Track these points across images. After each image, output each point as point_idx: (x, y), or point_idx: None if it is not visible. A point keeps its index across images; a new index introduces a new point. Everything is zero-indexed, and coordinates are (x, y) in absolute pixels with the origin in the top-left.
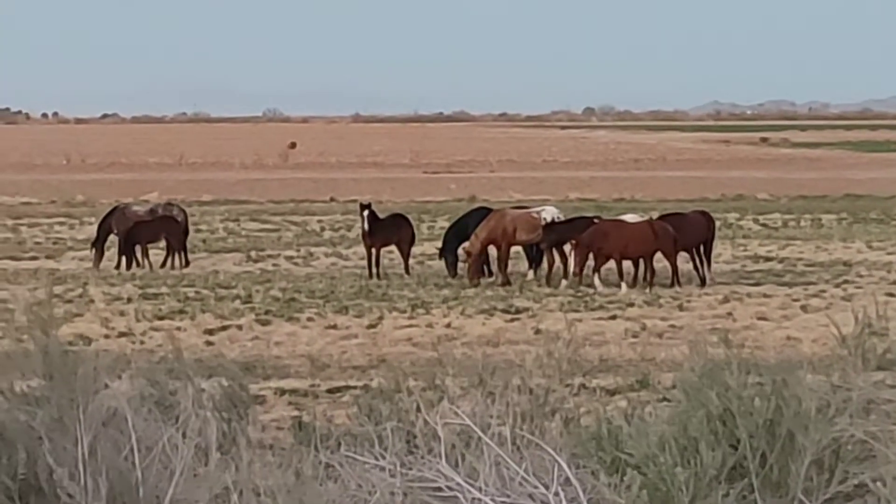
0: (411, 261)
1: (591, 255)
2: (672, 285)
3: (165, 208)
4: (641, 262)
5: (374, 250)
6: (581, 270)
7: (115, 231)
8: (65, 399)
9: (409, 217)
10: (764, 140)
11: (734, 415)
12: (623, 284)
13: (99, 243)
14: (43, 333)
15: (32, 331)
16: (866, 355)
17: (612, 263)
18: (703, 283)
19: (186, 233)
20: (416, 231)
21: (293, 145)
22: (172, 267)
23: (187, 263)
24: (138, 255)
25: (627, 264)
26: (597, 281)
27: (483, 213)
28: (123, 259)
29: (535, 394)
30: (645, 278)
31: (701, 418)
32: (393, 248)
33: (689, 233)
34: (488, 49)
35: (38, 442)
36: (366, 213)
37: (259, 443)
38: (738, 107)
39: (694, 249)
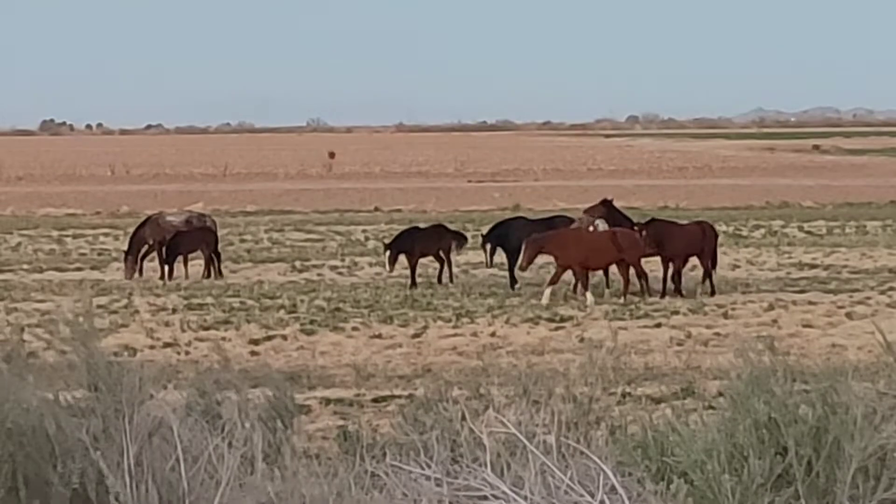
0: (455, 269)
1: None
2: (643, 293)
3: (199, 219)
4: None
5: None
6: (529, 262)
7: (150, 241)
8: (110, 410)
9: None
10: (816, 147)
11: (780, 423)
12: (588, 294)
13: (132, 253)
14: (83, 345)
15: (76, 342)
16: None
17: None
18: (711, 292)
19: (217, 241)
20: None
21: (332, 155)
22: (207, 276)
23: (221, 274)
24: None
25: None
26: (586, 294)
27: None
28: (166, 269)
29: (579, 402)
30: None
31: (748, 426)
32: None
33: (679, 243)
34: (531, 58)
35: (86, 452)
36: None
37: (304, 452)
38: (782, 114)
39: (699, 259)
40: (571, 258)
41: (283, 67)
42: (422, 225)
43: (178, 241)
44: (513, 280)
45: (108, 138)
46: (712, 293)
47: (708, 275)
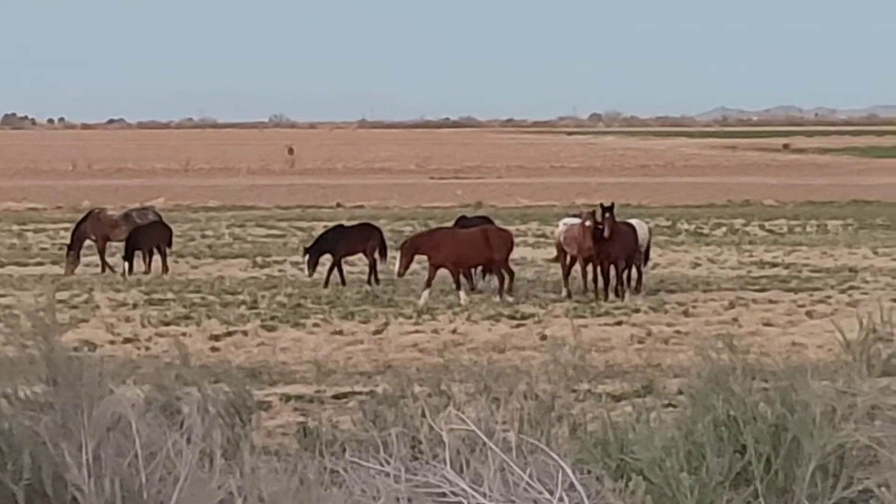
0: (416, 266)
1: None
2: (503, 293)
3: (140, 213)
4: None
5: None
6: (406, 267)
7: (91, 237)
8: (69, 404)
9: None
10: (786, 146)
11: (739, 421)
12: (462, 294)
13: (73, 248)
14: (44, 339)
15: (36, 336)
16: (871, 361)
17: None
18: (637, 290)
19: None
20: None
21: (291, 150)
22: (165, 271)
23: (166, 268)
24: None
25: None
26: (461, 293)
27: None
28: (127, 265)
29: (541, 400)
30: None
31: (707, 424)
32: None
33: (616, 243)
34: (495, 55)
35: (43, 447)
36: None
37: (264, 448)
38: (745, 113)
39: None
40: (444, 258)
41: (246, 63)
42: (346, 223)
43: (138, 236)
44: (374, 278)
45: (70, 133)
46: (637, 290)
47: (638, 273)
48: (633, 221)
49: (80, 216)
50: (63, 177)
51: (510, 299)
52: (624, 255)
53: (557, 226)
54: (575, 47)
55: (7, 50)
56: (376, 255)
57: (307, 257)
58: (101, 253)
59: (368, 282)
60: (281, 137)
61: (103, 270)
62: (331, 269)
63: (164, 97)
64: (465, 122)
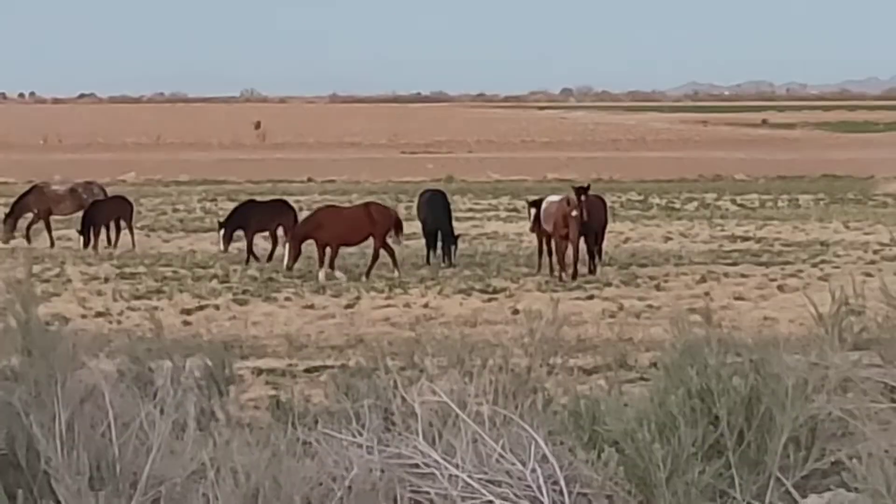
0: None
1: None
2: (371, 273)
3: (85, 187)
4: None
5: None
6: (294, 259)
7: (34, 210)
8: (43, 376)
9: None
10: (765, 122)
11: (713, 392)
12: (331, 272)
13: (11, 219)
14: (23, 310)
15: (14, 307)
16: (843, 334)
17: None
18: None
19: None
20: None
21: (258, 125)
22: (114, 245)
23: (86, 244)
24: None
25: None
26: (336, 273)
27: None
28: (83, 238)
29: (516, 373)
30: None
31: (680, 396)
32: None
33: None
34: (466, 30)
35: (17, 418)
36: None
37: (237, 421)
38: (716, 87)
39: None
40: (329, 236)
41: (217, 38)
42: (259, 198)
43: (95, 211)
44: (251, 257)
45: (41, 107)
46: (592, 271)
47: (592, 252)
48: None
49: None
50: (33, 151)
51: (396, 274)
52: (595, 229)
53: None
54: (546, 22)
55: None
56: (282, 233)
57: (222, 232)
58: (48, 227)
59: (269, 258)
60: (252, 112)
61: (86, 245)
62: (249, 246)
63: (135, 72)
64: (436, 97)
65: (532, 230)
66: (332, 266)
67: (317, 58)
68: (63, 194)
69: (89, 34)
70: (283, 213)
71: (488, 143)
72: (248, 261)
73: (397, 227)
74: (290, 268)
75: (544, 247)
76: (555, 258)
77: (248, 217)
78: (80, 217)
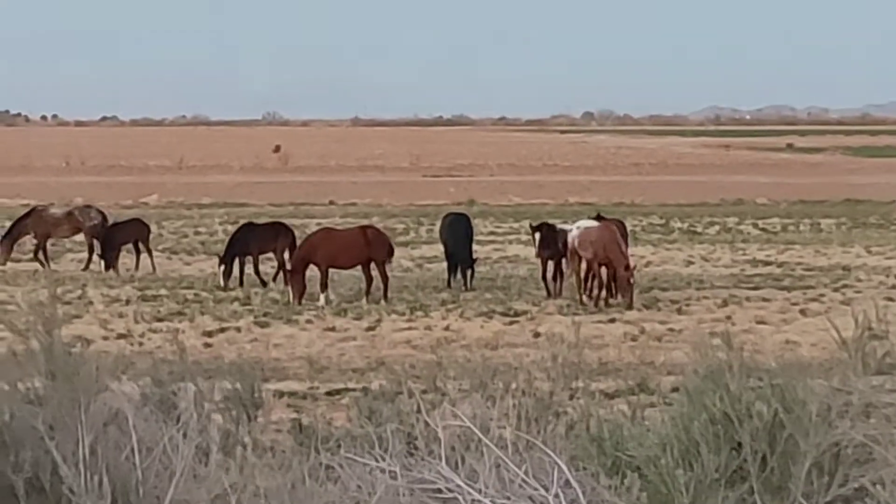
0: (410, 263)
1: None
2: (369, 296)
3: (83, 212)
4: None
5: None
6: (301, 294)
7: (31, 232)
8: (67, 399)
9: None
10: (790, 146)
11: (735, 418)
12: (322, 295)
13: (8, 240)
14: (47, 333)
15: (36, 330)
16: (866, 359)
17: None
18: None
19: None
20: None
21: (277, 148)
22: (135, 268)
23: (107, 267)
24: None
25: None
26: (327, 296)
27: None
28: (104, 261)
29: (538, 397)
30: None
31: (703, 421)
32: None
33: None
34: (488, 53)
35: (41, 441)
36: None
37: (258, 445)
38: (737, 112)
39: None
40: (321, 258)
41: (239, 60)
42: (257, 221)
43: (114, 233)
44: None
45: (64, 129)
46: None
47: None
48: (571, 226)
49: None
50: (56, 173)
51: (383, 303)
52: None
53: (570, 230)
54: (568, 46)
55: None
56: (285, 256)
57: (222, 268)
58: (44, 250)
59: (274, 279)
60: (274, 135)
61: (43, 266)
62: (255, 268)
63: (157, 94)
64: (458, 120)
65: (538, 255)
66: (323, 287)
67: (338, 81)
68: (61, 218)
69: (111, 57)
70: (283, 235)
71: (510, 166)
72: (264, 283)
73: (389, 252)
74: (298, 303)
75: (563, 270)
76: (568, 280)
77: (247, 241)
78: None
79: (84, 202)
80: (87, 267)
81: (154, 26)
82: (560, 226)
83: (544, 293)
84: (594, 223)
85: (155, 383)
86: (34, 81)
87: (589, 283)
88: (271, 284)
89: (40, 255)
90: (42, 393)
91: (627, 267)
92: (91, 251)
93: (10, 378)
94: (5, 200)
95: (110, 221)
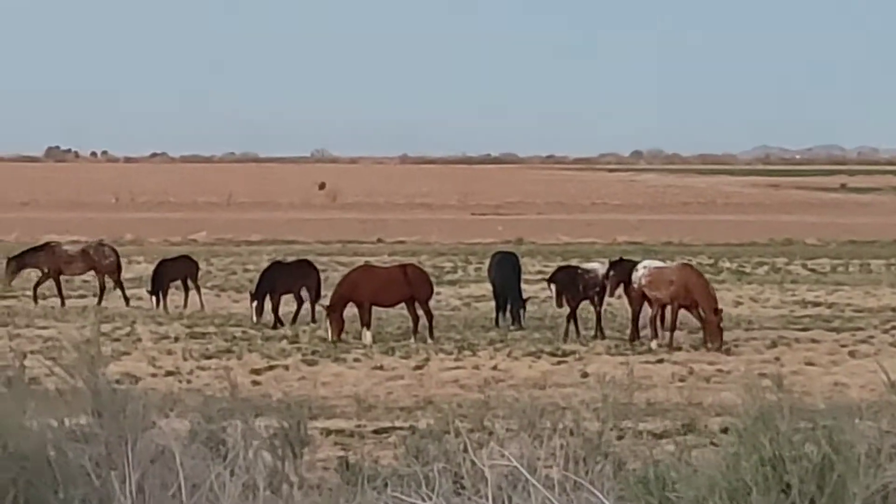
0: (458, 302)
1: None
2: (417, 334)
3: (97, 249)
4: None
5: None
6: (339, 331)
7: (44, 268)
8: (114, 436)
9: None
10: (843, 186)
11: (784, 459)
12: (367, 333)
13: (14, 263)
14: (90, 371)
15: (81, 368)
16: None
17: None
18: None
19: (121, 270)
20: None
21: (322, 185)
22: (184, 305)
23: (127, 301)
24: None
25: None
26: (366, 334)
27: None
28: (154, 298)
29: (587, 437)
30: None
31: (753, 462)
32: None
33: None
34: (537, 91)
35: (88, 478)
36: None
37: (305, 482)
38: (787, 151)
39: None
40: (362, 295)
41: (289, 98)
42: (283, 259)
43: (162, 270)
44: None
45: (113, 166)
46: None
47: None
48: (595, 264)
49: (128, 249)
50: (106, 209)
51: (430, 341)
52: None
53: (636, 270)
54: (617, 84)
55: (51, 82)
56: (305, 294)
57: (254, 304)
58: (58, 286)
59: (293, 321)
60: (323, 172)
61: (36, 302)
62: (275, 308)
63: (206, 131)
64: (507, 158)
65: (559, 304)
66: (365, 324)
67: (387, 118)
68: (74, 255)
69: (162, 93)
70: (308, 275)
71: (558, 204)
72: (275, 325)
73: (430, 290)
74: (335, 341)
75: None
76: (625, 318)
77: (274, 280)
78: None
79: (134, 238)
80: (99, 303)
81: (205, 63)
82: (585, 265)
83: (582, 333)
84: (663, 263)
85: (204, 420)
86: (83, 117)
87: (655, 325)
88: (289, 325)
89: (38, 290)
90: (89, 430)
91: (717, 310)
92: (103, 289)
93: (57, 415)
94: (55, 236)
95: (159, 258)
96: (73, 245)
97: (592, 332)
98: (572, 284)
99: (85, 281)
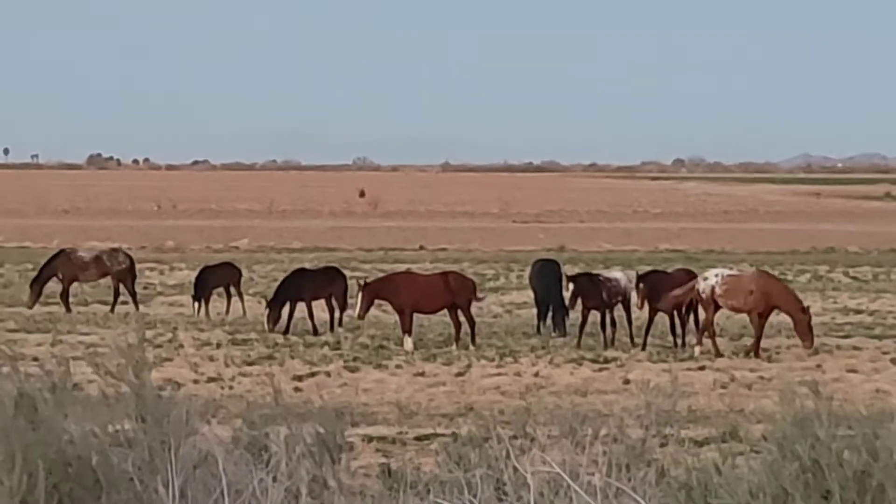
0: (499, 309)
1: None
2: (459, 341)
3: (111, 255)
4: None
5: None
6: (366, 310)
7: (59, 275)
8: (156, 442)
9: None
10: (888, 195)
11: (825, 466)
12: (408, 339)
13: (37, 285)
14: (135, 376)
15: (125, 373)
16: None
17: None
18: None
19: (135, 277)
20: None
21: (363, 193)
22: (226, 312)
23: (137, 307)
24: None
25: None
26: (407, 340)
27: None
28: (197, 305)
29: (630, 444)
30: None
31: (794, 470)
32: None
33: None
34: (578, 100)
35: (131, 484)
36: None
37: (347, 489)
38: (828, 159)
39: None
40: (404, 302)
41: (331, 106)
42: (309, 266)
43: (207, 276)
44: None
45: (155, 173)
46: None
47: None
48: (617, 273)
49: (169, 256)
50: (147, 217)
51: (472, 348)
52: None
53: (705, 278)
54: (658, 92)
55: (93, 91)
56: (335, 302)
57: (268, 312)
58: (66, 292)
59: (331, 328)
60: (364, 180)
61: (68, 310)
62: (310, 315)
63: (248, 139)
64: (548, 167)
65: (571, 305)
66: (407, 331)
67: (428, 127)
68: (89, 261)
69: (204, 101)
70: (335, 282)
71: (599, 213)
72: (316, 331)
73: (473, 296)
74: (361, 317)
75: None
76: (676, 326)
77: (300, 287)
78: (193, 283)
79: (175, 245)
80: (112, 309)
81: (248, 71)
82: (606, 274)
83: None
84: (734, 271)
85: (247, 425)
86: (125, 125)
87: (702, 332)
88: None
89: (67, 299)
90: (132, 435)
91: (804, 310)
92: (117, 295)
93: (100, 421)
94: (96, 243)
95: (201, 265)
96: (87, 252)
97: (632, 341)
98: (594, 291)
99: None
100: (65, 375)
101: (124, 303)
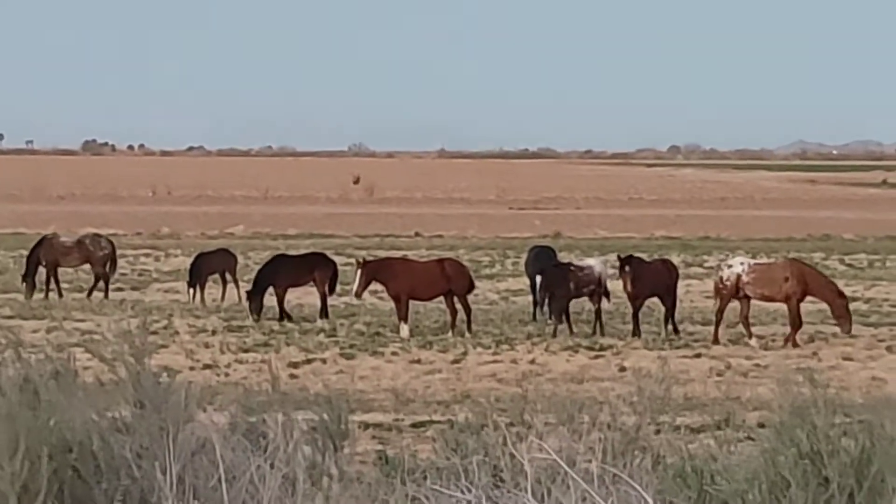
0: (495, 296)
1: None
2: (454, 328)
3: (93, 241)
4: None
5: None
6: (363, 288)
7: (42, 262)
8: (155, 428)
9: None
10: (885, 182)
11: (822, 453)
12: (404, 326)
13: (29, 274)
14: (136, 361)
15: (125, 359)
16: None
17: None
18: (675, 330)
19: (115, 263)
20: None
21: (357, 179)
22: (221, 299)
23: (107, 295)
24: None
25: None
26: (403, 327)
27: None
28: (192, 291)
29: (624, 431)
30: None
31: (791, 456)
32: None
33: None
34: (574, 86)
35: (129, 470)
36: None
37: (344, 476)
38: (824, 146)
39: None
40: (400, 288)
41: (326, 92)
42: (291, 252)
43: (201, 262)
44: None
45: (150, 159)
46: (675, 331)
47: (670, 314)
48: (592, 260)
49: (165, 242)
50: (143, 203)
51: (468, 335)
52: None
53: (729, 266)
54: (654, 79)
55: (87, 76)
56: (326, 287)
57: (249, 303)
58: (51, 278)
59: (321, 315)
60: (360, 166)
61: (46, 296)
62: (279, 301)
63: (244, 125)
64: (544, 153)
65: (558, 295)
66: (403, 318)
67: (425, 113)
68: (71, 247)
69: (199, 87)
70: (318, 268)
71: (596, 199)
72: (281, 318)
73: (470, 285)
74: (358, 295)
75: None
76: (717, 320)
77: (276, 273)
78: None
79: (171, 232)
80: (90, 295)
81: (243, 57)
82: (577, 262)
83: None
84: (758, 260)
85: (245, 412)
86: (121, 111)
87: (747, 324)
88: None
89: (52, 284)
90: (130, 421)
91: (841, 294)
92: (97, 280)
93: (98, 407)
94: (92, 230)
95: (196, 252)
96: (69, 237)
97: (594, 331)
98: (562, 281)
99: (123, 274)
100: (68, 362)
101: (119, 289)
